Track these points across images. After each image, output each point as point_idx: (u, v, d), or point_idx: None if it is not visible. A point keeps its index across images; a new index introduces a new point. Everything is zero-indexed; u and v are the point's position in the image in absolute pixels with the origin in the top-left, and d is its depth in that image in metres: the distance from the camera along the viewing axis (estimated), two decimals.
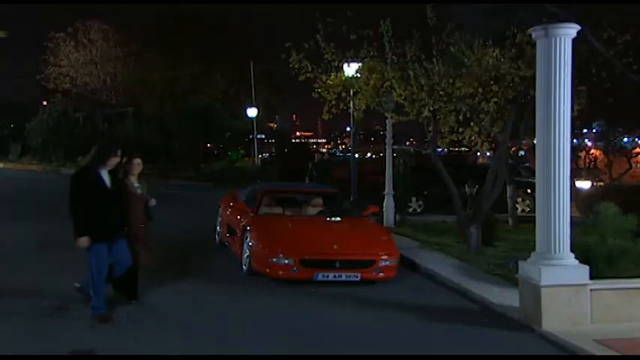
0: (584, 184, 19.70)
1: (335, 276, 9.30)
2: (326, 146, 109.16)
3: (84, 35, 40.04)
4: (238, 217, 10.94)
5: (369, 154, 77.21)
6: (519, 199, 19.13)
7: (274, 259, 9.28)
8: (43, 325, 7.08)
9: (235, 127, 34.18)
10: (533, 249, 12.62)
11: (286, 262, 9.23)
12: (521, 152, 32.83)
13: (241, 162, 35.90)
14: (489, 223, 13.12)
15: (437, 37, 12.44)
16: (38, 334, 6.79)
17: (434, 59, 12.35)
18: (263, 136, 36.61)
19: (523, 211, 19.66)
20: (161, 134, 33.96)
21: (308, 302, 8.57)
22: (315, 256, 9.38)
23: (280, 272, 9.29)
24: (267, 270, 9.39)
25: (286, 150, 37.43)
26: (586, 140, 42.39)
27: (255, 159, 32.11)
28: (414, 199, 19.45)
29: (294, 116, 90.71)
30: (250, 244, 9.76)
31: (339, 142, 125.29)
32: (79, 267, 10.12)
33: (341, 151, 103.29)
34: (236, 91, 39.09)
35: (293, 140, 67.18)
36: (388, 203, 15.71)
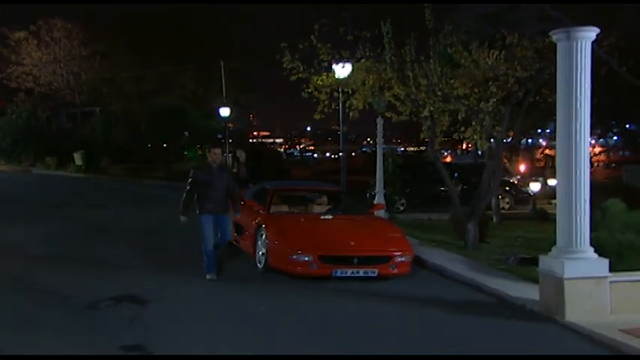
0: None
1: (353, 272, 9.42)
2: (284, 146, 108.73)
3: (46, 34, 39.37)
4: (249, 215, 10.99)
5: (328, 154, 77.37)
6: (499, 197, 19.61)
7: (294, 256, 9.37)
8: (82, 322, 7.07)
9: (211, 126, 34.02)
10: (524, 245, 13.10)
11: (306, 258, 9.33)
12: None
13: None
14: (482, 221, 13.47)
15: (434, 39, 12.72)
16: (81, 331, 6.78)
17: (431, 60, 12.61)
18: (220, 136, 36.48)
19: (503, 208, 20.16)
20: (130, 134, 33.62)
21: (331, 298, 8.67)
22: (334, 252, 9.51)
23: (299, 269, 9.39)
24: (286, 267, 9.48)
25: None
26: (540, 140, 43.42)
27: (228, 159, 31.93)
28: (396, 197, 19.71)
29: (251, 115, 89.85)
30: (267, 241, 9.84)
31: (296, 141, 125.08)
32: (90, 263, 10.17)
33: (299, 151, 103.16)
34: (205, 90, 38.93)
35: (250, 140, 66.66)
36: (379, 202, 15.90)
